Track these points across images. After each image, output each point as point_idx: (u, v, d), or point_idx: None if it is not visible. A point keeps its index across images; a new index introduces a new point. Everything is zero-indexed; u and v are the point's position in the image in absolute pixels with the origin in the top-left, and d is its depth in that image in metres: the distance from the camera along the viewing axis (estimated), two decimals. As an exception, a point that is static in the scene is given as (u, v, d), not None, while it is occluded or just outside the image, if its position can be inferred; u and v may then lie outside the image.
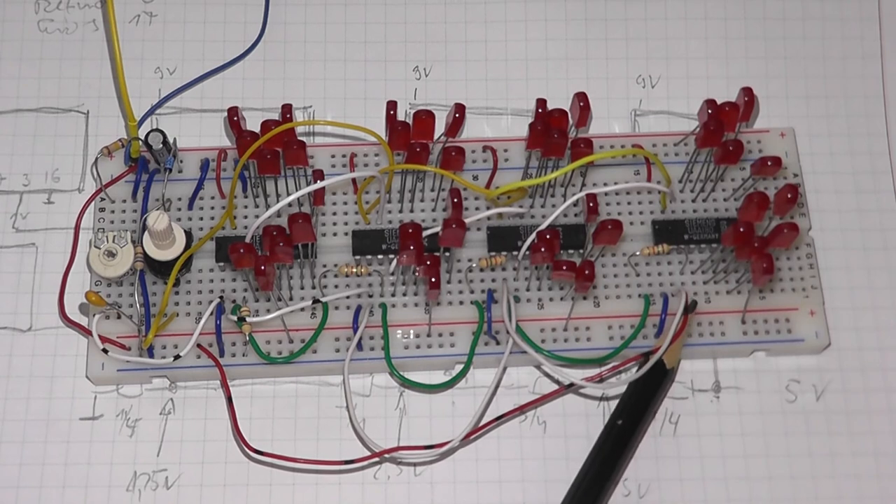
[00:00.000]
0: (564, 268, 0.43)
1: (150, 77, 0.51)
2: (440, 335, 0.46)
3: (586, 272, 0.42)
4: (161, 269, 0.45)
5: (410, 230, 0.42)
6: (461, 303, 0.46)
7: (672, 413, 0.46)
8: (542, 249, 0.43)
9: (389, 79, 0.51)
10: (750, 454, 0.46)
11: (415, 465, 0.45)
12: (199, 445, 0.45)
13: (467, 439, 0.44)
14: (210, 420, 0.45)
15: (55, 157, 0.49)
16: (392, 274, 0.46)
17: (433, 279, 0.42)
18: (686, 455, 0.46)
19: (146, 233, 0.44)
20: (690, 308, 0.45)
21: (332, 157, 0.48)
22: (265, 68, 0.51)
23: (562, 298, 0.46)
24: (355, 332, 0.45)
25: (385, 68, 0.51)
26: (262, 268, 0.41)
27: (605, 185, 0.47)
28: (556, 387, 0.46)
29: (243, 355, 0.45)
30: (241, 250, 0.41)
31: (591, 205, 0.44)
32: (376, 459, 0.44)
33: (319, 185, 0.43)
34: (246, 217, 0.47)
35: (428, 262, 0.42)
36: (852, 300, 0.48)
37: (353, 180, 0.47)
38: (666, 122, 0.51)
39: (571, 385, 0.45)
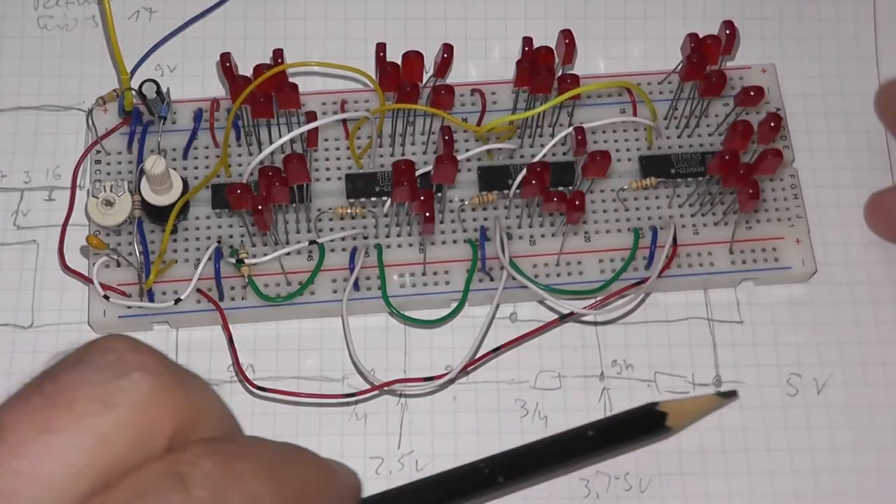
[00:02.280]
0: (555, 199, 0.44)
1: (151, 75, 0.50)
2: (435, 273, 0.47)
3: (576, 202, 0.43)
4: (159, 214, 0.46)
5: (403, 167, 0.43)
6: (454, 242, 0.47)
7: None
8: (533, 182, 0.44)
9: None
10: (751, 448, 0.46)
11: (415, 395, 0.46)
12: None
13: (465, 370, 0.45)
14: None
15: (56, 154, 0.49)
16: (386, 215, 0.46)
17: (427, 213, 0.43)
18: (687, 449, 0.46)
19: (144, 178, 0.45)
20: (729, 395, 0.44)
21: (323, 104, 0.49)
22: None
23: (553, 234, 0.47)
24: (352, 272, 0.45)
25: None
26: (260, 207, 0.42)
27: (592, 122, 0.48)
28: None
29: (242, 298, 0.46)
30: (239, 191, 0.42)
31: (579, 137, 0.45)
32: (376, 392, 0.45)
33: (313, 125, 0.44)
34: (240, 165, 0.48)
35: (422, 198, 0.43)
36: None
37: (345, 125, 0.48)
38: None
39: (571, 314, 0.46)
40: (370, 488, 0.43)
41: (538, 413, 0.46)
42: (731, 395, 0.44)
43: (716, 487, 0.46)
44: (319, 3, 0.53)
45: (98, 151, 0.48)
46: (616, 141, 0.49)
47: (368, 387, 0.45)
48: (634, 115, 0.49)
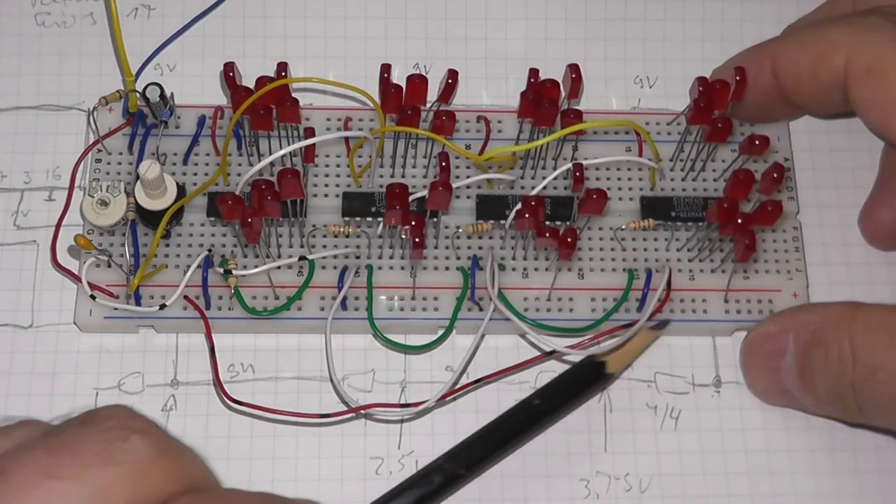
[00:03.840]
0: (547, 234, 0.43)
1: (151, 73, 0.50)
2: (424, 299, 0.46)
3: (568, 239, 0.43)
4: (152, 219, 0.46)
5: (397, 190, 0.43)
6: (447, 268, 0.46)
7: (673, 408, 0.47)
8: (527, 215, 0.43)
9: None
10: (751, 449, 0.46)
11: (391, 421, 0.46)
12: (200, 442, 0.45)
13: (443, 400, 0.45)
14: (212, 416, 0.46)
15: (56, 154, 0.49)
16: (380, 236, 0.46)
17: (417, 239, 0.43)
18: (687, 450, 0.46)
19: (138, 182, 0.45)
20: (662, 325, 0.45)
21: (328, 119, 0.49)
22: (264, 65, 0.51)
23: (547, 269, 0.47)
24: (340, 291, 0.45)
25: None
26: (249, 220, 0.42)
27: (596, 158, 0.47)
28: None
29: (229, 309, 0.45)
30: (230, 202, 0.42)
31: (577, 174, 0.44)
32: (352, 415, 0.45)
33: (309, 141, 0.44)
34: (239, 175, 0.48)
35: (413, 223, 0.43)
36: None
37: (347, 143, 0.48)
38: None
39: (553, 352, 0.45)
40: (370, 488, 0.44)
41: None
42: (663, 325, 0.45)
43: (716, 487, 0.45)
44: (319, 1, 0.52)
45: (99, 150, 0.48)
46: (619, 179, 0.48)
47: (345, 408, 0.44)
48: (640, 154, 0.48)
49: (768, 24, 0.53)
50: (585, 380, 0.45)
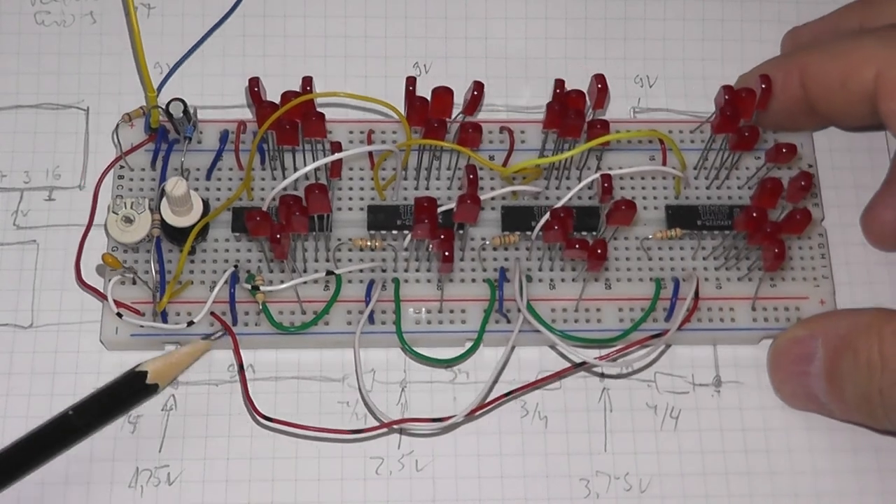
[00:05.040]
0: (577, 246, 0.43)
1: (152, 73, 0.49)
2: (451, 311, 0.46)
3: (598, 251, 0.43)
4: (178, 235, 0.45)
5: (425, 203, 0.42)
6: (473, 280, 0.46)
7: (673, 408, 0.47)
8: (556, 227, 0.43)
9: (390, 76, 0.51)
10: (751, 449, 0.46)
11: (421, 435, 0.46)
12: (200, 441, 0.45)
13: (473, 414, 0.44)
14: (212, 416, 0.46)
15: (56, 154, 0.49)
16: (406, 249, 0.46)
17: (446, 252, 0.42)
18: (687, 450, 0.46)
19: (164, 199, 0.44)
20: (212, 337, 0.45)
21: (351, 132, 0.49)
22: (265, 64, 0.51)
23: (574, 280, 0.46)
24: (367, 305, 0.45)
25: (385, 64, 0.52)
26: (278, 236, 0.42)
27: (621, 168, 0.47)
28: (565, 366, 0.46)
29: (256, 325, 0.45)
30: (258, 218, 0.42)
31: (605, 185, 0.44)
32: (384, 430, 0.45)
33: (337, 156, 0.43)
34: (263, 189, 0.47)
35: (442, 236, 0.43)
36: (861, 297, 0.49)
37: (371, 156, 0.47)
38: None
39: (583, 363, 0.45)
40: (370, 488, 0.44)
41: (538, 413, 0.46)
42: (213, 336, 0.44)
43: (716, 487, 0.45)
44: (319, 1, 0.52)
45: (122, 167, 0.47)
46: (644, 188, 0.48)
47: (377, 423, 0.44)
48: (664, 162, 0.48)
49: (768, 24, 0.53)
50: (128, 391, 0.44)
